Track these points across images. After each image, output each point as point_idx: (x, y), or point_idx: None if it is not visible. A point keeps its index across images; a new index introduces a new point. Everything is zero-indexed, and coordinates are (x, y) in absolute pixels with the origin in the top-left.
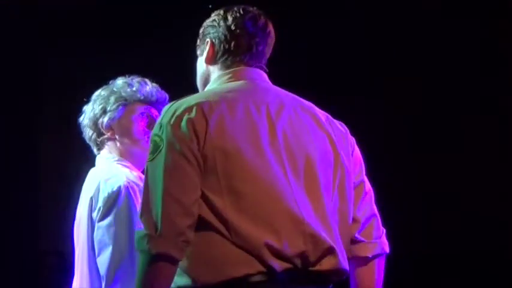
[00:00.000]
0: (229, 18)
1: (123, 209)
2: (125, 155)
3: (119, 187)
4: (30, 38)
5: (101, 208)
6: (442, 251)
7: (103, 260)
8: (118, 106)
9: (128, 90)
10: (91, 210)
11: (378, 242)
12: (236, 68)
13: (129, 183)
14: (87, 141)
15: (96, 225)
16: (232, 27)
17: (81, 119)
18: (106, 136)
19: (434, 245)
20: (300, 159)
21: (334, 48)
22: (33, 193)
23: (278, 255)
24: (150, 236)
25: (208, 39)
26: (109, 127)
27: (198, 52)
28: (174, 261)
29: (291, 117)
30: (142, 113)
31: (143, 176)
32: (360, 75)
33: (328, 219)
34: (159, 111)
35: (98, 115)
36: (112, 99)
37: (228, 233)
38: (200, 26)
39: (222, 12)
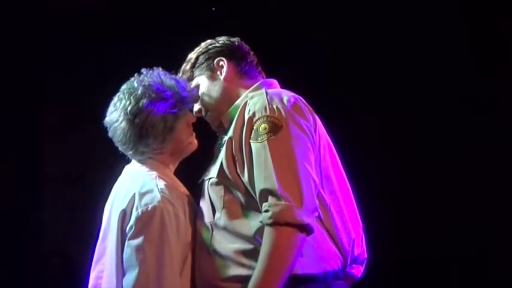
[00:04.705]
0: (227, 42)
1: (156, 233)
2: (172, 158)
3: (154, 208)
4: (34, 38)
5: (133, 227)
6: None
7: (128, 281)
8: (176, 127)
9: (175, 109)
10: (123, 223)
11: None
12: (263, 80)
13: (165, 203)
14: (129, 154)
15: (126, 242)
16: (239, 47)
17: (121, 135)
18: (158, 151)
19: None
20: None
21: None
22: (37, 194)
23: (354, 256)
24: (296, 207)
25: (220, 59)
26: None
27: (203, 76)
28: (309, 234)
29: None
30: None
31: (180, 184)
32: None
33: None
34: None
35: (155, 138)
36: (172, 126)
37: (327, 221)
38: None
39: (214, 40)
